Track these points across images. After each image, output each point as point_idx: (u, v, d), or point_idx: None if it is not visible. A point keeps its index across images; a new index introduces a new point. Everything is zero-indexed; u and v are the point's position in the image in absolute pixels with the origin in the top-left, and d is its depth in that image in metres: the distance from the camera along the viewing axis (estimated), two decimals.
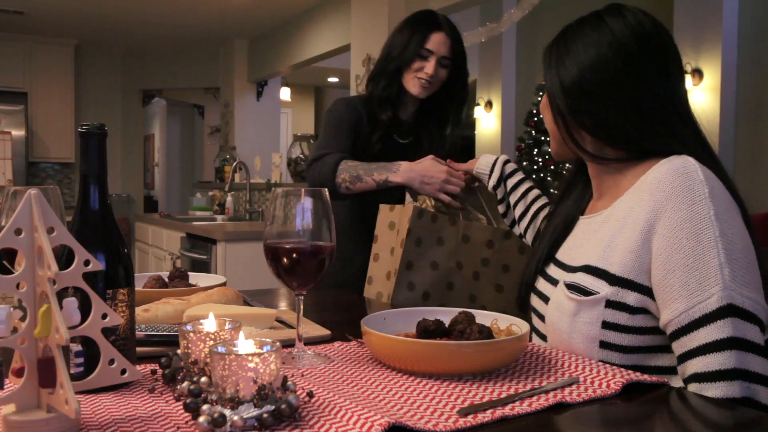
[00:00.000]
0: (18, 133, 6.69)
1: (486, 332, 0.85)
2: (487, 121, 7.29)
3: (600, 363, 0.90)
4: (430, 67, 1.73)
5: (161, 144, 10.31)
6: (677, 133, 0.99)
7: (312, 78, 9.39)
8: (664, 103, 0.99)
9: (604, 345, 0.95)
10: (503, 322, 0.94)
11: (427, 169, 1.55)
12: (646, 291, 0.93)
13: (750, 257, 0.90)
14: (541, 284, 1.12)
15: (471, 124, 8.02)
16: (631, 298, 0.93)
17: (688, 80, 5.18)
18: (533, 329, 1.13)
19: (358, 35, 4.55)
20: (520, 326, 0.91)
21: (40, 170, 7.26)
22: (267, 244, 0.90)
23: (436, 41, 1.74)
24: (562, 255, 1.11)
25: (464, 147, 8.84)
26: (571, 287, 0.99)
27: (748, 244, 0.91)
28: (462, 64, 1.82)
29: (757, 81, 5.17)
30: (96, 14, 6.22)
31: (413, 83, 1.76)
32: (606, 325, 0.94)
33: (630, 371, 0.85)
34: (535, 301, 1.13)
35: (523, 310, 1.17)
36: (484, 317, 0.95)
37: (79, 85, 7.41)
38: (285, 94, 7.75)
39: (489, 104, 7.26)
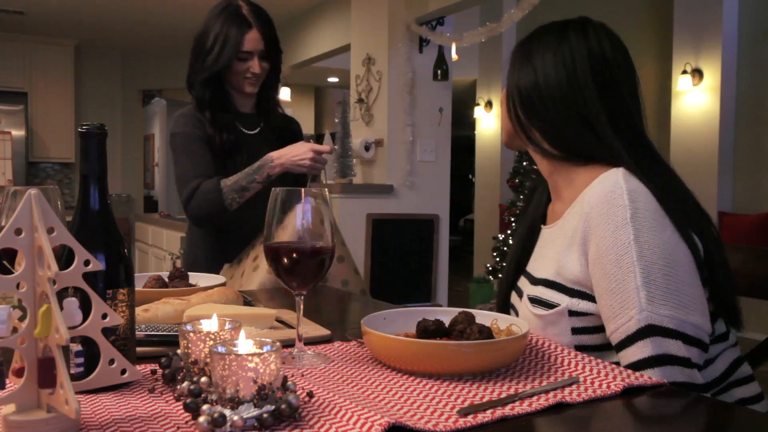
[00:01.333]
0: (18, 133, 6.69)
1: (486, 332, 0.85)
2: (487, 121, 7.28)
3: (600, 362, 0.90)
4: (255, 66, 1.81)
5: (161, 144, 10.29)
6: (616, 148, 1.01)
7: (312, 78, 9.38)
8: (612, 120, 1.02)
9: (580, 348, 0.99)
10: (503, 322, 0.94)
11: (294, 152, 1.72)
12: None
13: (673, 274, 0.92)
14: (513, 297, 1.18)
15: (471, 124, 8.01)
16: (591, 306, 0.98)
17: (688, 80, 5.19)
18: None
19: (358, 35, 4.55)
20: (520, 326, 0.91)
21: (40, 170, 7.26)
22: (267, 244, 0.90)
23: (252, 40, 1.79)
24: (530, 265, 1.15)
25: (465, 147, 8.86)
26: (534, 301, 1.05)
27: (672, 260, 0.92)
28: (275, 46, 1.86)
29: (757, 81, 5.17)
30: (96, 14, 6.22)
31: (243, 83, 1.83)
32: (576, 331, 1.00)
33: (630, 371, 0.85)
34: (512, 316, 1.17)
35: None
36: (484, 317, 0.95)
37: (79, 85, 7.40)
38: (285, 94, 7.73)
39: (489, 104, 7.25)
